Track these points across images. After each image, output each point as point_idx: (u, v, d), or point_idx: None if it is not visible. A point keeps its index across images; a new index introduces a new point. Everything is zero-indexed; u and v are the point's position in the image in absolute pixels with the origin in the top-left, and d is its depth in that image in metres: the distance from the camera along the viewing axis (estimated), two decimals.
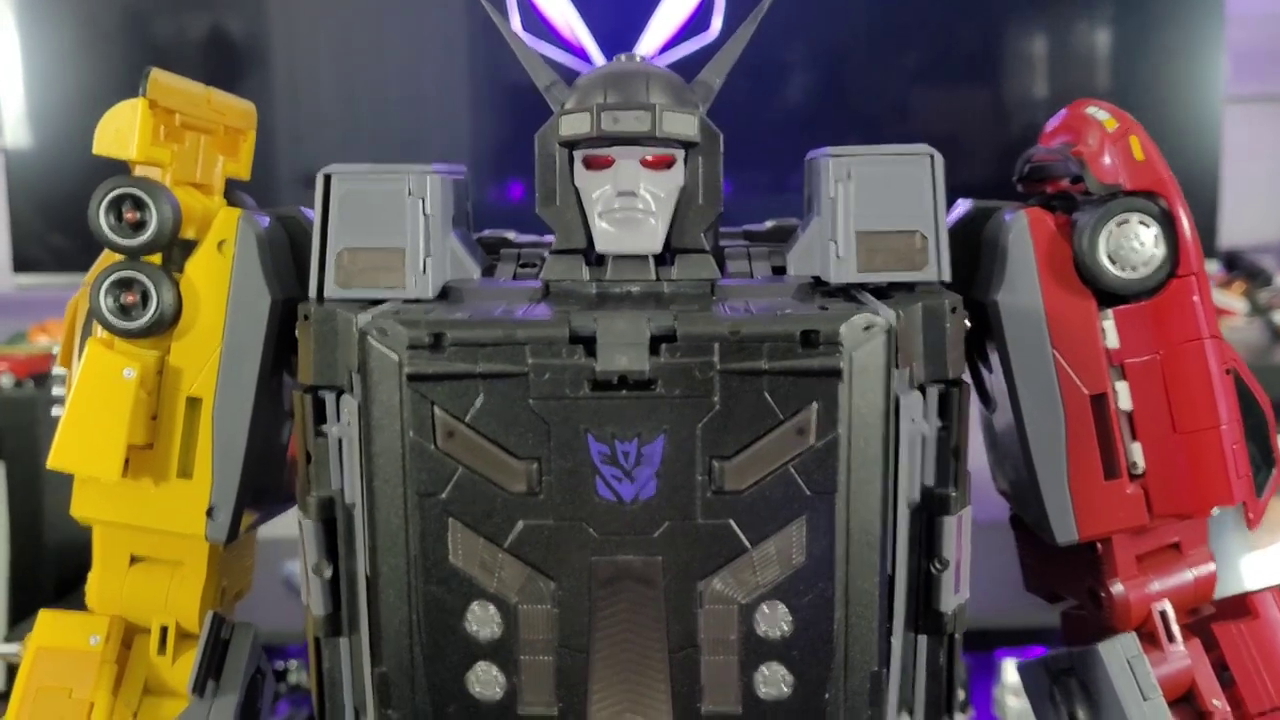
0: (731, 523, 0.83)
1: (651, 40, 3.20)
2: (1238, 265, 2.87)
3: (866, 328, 0.82)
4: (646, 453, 0.82)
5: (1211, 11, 2.66)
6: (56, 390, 1.02)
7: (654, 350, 0.82)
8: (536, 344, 0.82)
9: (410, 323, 0.83)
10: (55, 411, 1.00)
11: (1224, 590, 1.05)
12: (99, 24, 2.70)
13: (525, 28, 3.09)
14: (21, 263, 2.70)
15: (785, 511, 0.83)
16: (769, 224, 1.09)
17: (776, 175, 2.71)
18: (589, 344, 0.82)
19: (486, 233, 1.08)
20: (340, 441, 0.87)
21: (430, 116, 2.75)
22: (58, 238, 2.67)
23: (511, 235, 1.08)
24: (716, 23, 3.16)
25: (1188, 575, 1.02)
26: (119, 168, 0.97)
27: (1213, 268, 2.72)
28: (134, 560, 1.02)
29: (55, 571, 2.48)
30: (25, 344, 2.73)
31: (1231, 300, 2.82)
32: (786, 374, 0.81)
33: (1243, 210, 2.84)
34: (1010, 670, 2.49)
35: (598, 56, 3.13)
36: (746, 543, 0.83)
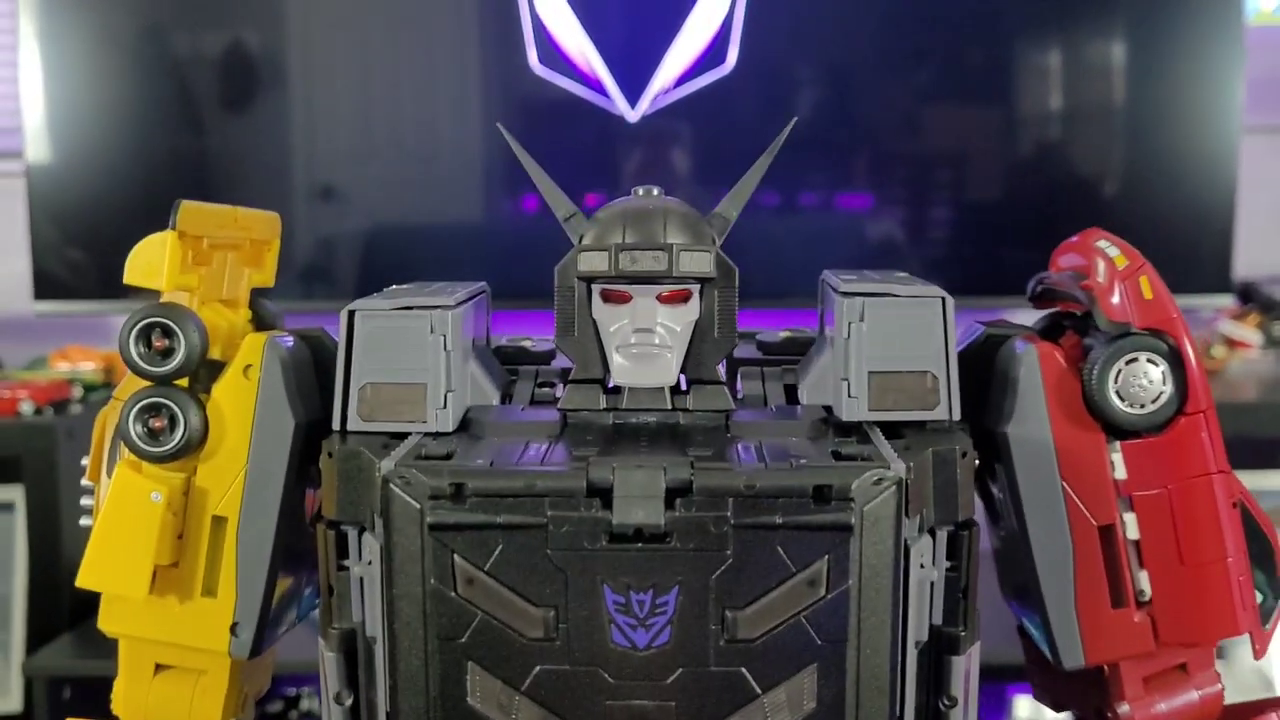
0: (744, 670, 0.85)
1: (667, 73, 3.19)
2: (1252, 297, 2.87)
3: (877, 482, 0.84)
4: (661, 603, 0.84)
5: (1231, 40, 2.66)
6: (85, 501, 1.04)
7: (669, 502, 0.84)
8: (555, 496, 0.84)
9: (432, 471, 0.85)
10: (84, 521, 1.03)
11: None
12: (118, 38, 2.72)
13: (542, 60, 3.09)
14: (43, 289, 2.72)
15: (797, 659, 0.85)
16: (782, 335, 1.11)
17: (786, 194, 2.73)
18: (606, 494, 0.84)
19: (505, 341, 1.10)
20: (362, 579, 0.90)
21: (444, 130, 2.77)
22: (78, 254, 2.69)
23: (529, 343, 1.10)
24: (732, 56, 3.14)
25: (1194, 696, 1.03)
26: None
27: (1227, 300, 2.73)
28: (159, 668, 1.04)
29: (73, 595, 2.51)
30: (45, 370, 2.75)
31: (1246, 332, 2.82)
32: (799, 528, 0.83)
33: (1258, 241, 2.84)
34: (1021, 706, 2.51)
35: (613, 88, 3.11)
36: (758, 689, 0.85)
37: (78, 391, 2.64)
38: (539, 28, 2.67)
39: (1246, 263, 2.76)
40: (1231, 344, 2.81)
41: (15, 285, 2.81)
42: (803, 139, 2.77)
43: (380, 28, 2.74)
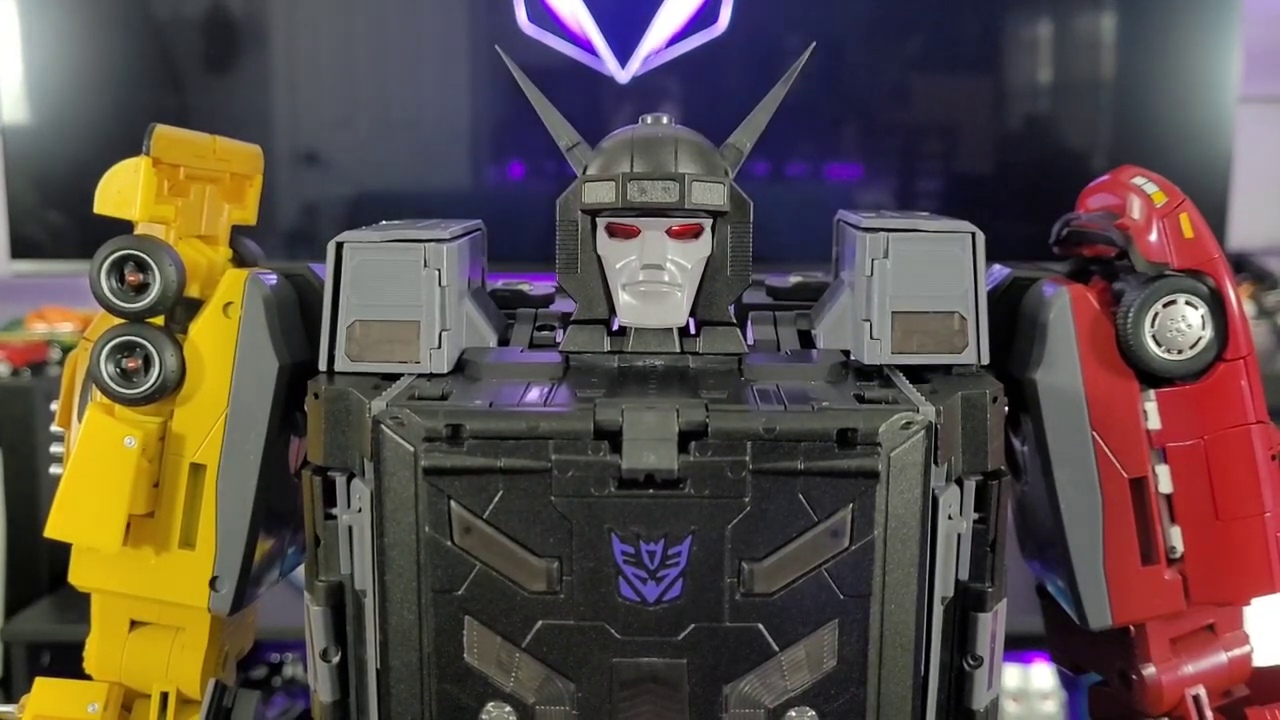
0: (760, 626, 0.79)
1: (658, 33, 3.13)
2: (1245, 268, 2.83)
3: (906, 425, 0.78)
4: (673, 554, 0.79)
5: (1228, 9, 2.61)
6: (55, 449, 0.98)
7: (683, 446, 0.78)
8: (560, 439, 0.78)
9: (427, 412, 0.79)
10: (54, 470, 0.97)
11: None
12: (99, 0, 2.65)
13: (531, 19, 3.02)
14: (19, 248, 2.66)
15: (817, 615, 0.80)
16: (793, 280, 1.05)
17: (775, 164, 2.67)
18: (614, 438, 0.78)
19: (500, 284, 1.04)
20: (350, 528, 0.84)
21: (430, 95, 2.70)
22: (56, 216, 2.64)
23: (526, 287, 1.04)
24: (724, 16, 3.08)
25: (1222, 657, 0.98)
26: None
27: None
28: (134, 624, 0.99)
29: (51, 562, 2.46)
30: (22, 331, 2.69)
31: None
32: (822, 474, 0.78)
33: (1252, 212, 2.80)
34: (1010, 676, 2.47)
35: (603, 48, 3.05)
36: (775, 646, 0.80)
37: (55, 353, 2.59)
38: None
39: (1239, 234, 2.72)
40: None
41: None
42: (789, 102, 2.69)
43: None
